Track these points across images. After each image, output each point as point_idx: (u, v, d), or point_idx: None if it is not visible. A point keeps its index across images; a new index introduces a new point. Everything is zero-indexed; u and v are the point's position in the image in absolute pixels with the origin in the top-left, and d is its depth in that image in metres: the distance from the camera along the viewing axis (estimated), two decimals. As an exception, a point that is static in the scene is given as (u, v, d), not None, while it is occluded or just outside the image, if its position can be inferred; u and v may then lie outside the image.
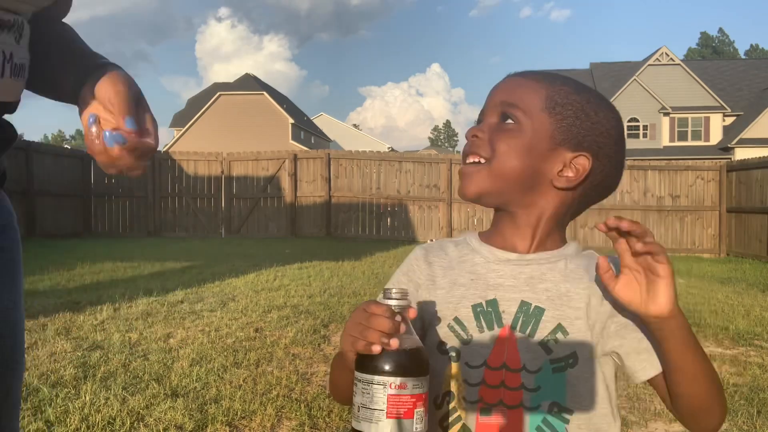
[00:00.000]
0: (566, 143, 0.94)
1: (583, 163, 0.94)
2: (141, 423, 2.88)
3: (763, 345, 4.93)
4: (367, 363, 0.76)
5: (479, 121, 0.99)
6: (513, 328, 0.92)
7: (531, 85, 0.95)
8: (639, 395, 3.64)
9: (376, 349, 0.75)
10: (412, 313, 0.81)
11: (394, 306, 0.78)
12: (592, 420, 0.91)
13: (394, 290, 0.80)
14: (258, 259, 9.20)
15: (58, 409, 2.93)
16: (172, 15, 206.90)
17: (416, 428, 0.75)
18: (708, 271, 10.81)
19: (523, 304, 0.93)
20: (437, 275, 0.99)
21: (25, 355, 3.83)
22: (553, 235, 0.98)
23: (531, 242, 0.97)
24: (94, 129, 0.87)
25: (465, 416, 0.92)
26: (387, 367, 0.75)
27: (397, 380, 0.75)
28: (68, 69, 0.96)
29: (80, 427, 2.76)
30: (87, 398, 3.08)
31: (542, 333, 0.91)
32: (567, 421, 0.90)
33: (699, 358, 0.85)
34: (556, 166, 0.94)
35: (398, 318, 0.77)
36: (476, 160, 0.95)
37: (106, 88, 0.88)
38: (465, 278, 0.97)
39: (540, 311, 0.92)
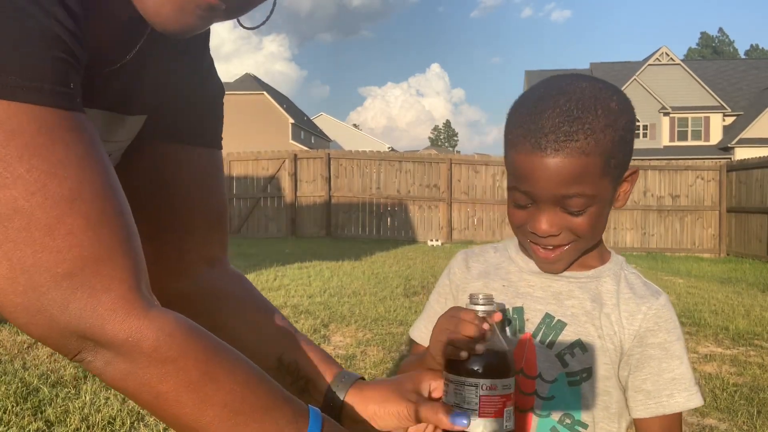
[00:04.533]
0: (621, 177, 0.93)
1: (633, 175, 0.95)
2: (141, 423, 2.88)
3: (763, 345, 4.93)
4: (458, 366, 0.80)
5: (518, 200, 0.92)
6: (534, 336, 0.95)
7: (583, 164, 0.85)
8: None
9: (464, 354, 0.78)
10: (497, 317, 0.83)
11: (481, 311, 0.81)
12: None
13: (480, 295, 0.82)
14: (258, 259, 9.20)
15: (58, 409, 2.93)
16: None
17: (506, 426, 0.79)
18: (708, 271, 10.80)
19: (547, 317, 0.95)
20: (473, 278, 1.04)
21: (25, 355, 3.84)
22: (592, 250, 0.97)
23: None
24: None
25: None
26: (479, 370, 0.78)
27: (488, 382, 0.78)
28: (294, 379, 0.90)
29: (80, 427, 2.76)
30: (87, 398, 3.08)
31: (560, 346, 0.93)
32: None
33: None
34: (617, 195, 0.95)
35: (485, 323, 0.80)
36: (558, 245, 0.92)
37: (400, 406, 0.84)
38: (498, 284, 1.01)
39: (562, 325, 0.94)
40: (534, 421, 0.94)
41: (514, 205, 0.93)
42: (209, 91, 0.95)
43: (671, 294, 7.38)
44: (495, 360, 0.79)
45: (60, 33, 0.57)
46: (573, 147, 0.85)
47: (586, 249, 0.95)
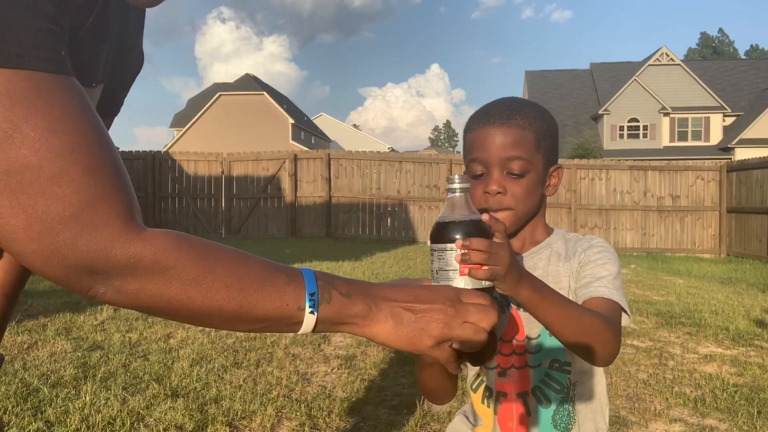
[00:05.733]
0: (550, 164, 1.20)
1: (559, 170, 1.22)
2: (141, 423, 2.88)
3: (763, 345, 4.92)
4: (440, 235, 0.92)
5: (474, 170, 1.17)
6: (519, 308, 1.16)
7: (520, 134, 1.15)
8: (639, 395, 3.64)
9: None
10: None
11: (458, 188, 0.94)
12: (585, 369, 1.18)
13: (456, 176, 0.94)
14: (258, 260, 9.19)
15: (58, 409, 2.93)
16: (177, 17, 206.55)
17: (484, 282, 0.91)
18: (708, 271, 10.80)
19: None
20: None
21: (25, 355, 3.84)
22: (540, 228, 1.23)
23: (524, 242, 1.22)
24: None
25: (486, 379, 1.20)
26: (457, 236, 0.91)
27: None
28: None
29: (80, 427, 2.76)
30: (87, 398, 3.08)
31: None
32: (569, 373, 1.17)
33: (562, 317, 1.00)
34: (546, 183, 1.21)
35: (462, 193, 0.94)
36: (504, 208, 1.15)
37: None
38: None
39: None
40: (531, 373, 1.16)
41: (472, 177, 1.17)
42: (136, 68, 1.07)
43: (671, 294, 7.38)
44: (470, 227, 0.91)
45: (47, 7, 0.66)
46: (512, 123, 1.15)
47: (526, 222, 1.19)
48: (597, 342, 1.03)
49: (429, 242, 0.95)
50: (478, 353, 0.90)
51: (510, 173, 1.14)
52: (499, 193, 1.14)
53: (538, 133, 1.16)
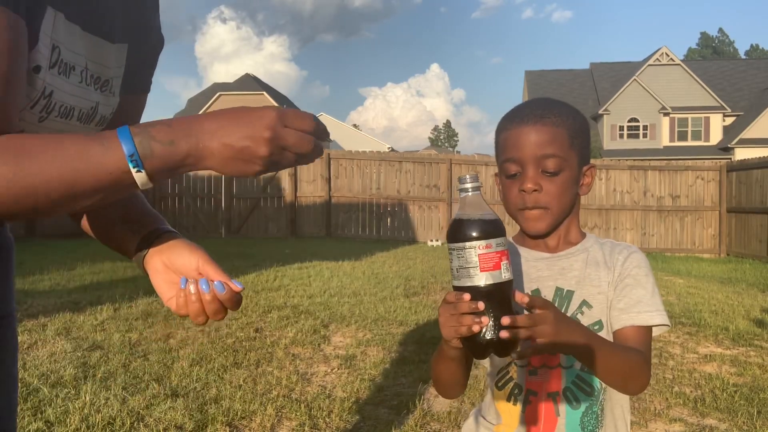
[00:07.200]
0: (583, 162, 1.20)
1: (593, 169, 1.22)
2: (141, 423, 2.88)
3: (763, 345, 4.93)
4: (458, 234, 0.94)
5: (509, 170, 1.17)
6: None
7: (554, 132, 1.15)
8: (639, 395, 3.64)
9: (476, 329, 0.93)
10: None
11: (471, 187, 0.96)
12: None
13: (468, 176, 0.97)
14: (258, 259, 9.20)
15: (58, 409, 2.93)
16: (178, 17, 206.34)
17: (504, 276, 0.94)
18: (708, 271, 10.80)
19: (558, 290, 1.19)
20: None
21: (25, 355, 3.83)
22: (574, 228, 1.23)
23: (558, 241, 1.22)
24: (192, 288, 0.93)
25: (516, 377, 1.19)
26: (475, 234, 0.93)
27: (484, 242, 0.93)
28: (131, 228, 1.02)
29: (80, 427, 2.76)
30: (87, 398, 3.08)
31: (572, 308, 1.17)
32: None
33: (606, 365, 1.04)
34: (580, 182, 1.20)
35: (474, 192, 0.96)
36: (541, 207, 1.16)
37: (190, 258, 0.96)
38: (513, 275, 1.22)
39: (570, 293, 1.18)
40: (563, 374, 1.17)
41: (506, 177, 1.18)
42: (157, 45, 1.10)
43: (671, 294, 7.39)
44: (487, 224, 0.94)
45: None
46: (546, 121, 1.15)
47: (560, 221, 1.19)
48: (633, 379, 1.09)
49: (446, 242, 0.97)
50: (502, 346, 0.94)
51: (545, 171, 1.14)
52: (534, 191, 1.14)
53: (572, 130, 1.16)
